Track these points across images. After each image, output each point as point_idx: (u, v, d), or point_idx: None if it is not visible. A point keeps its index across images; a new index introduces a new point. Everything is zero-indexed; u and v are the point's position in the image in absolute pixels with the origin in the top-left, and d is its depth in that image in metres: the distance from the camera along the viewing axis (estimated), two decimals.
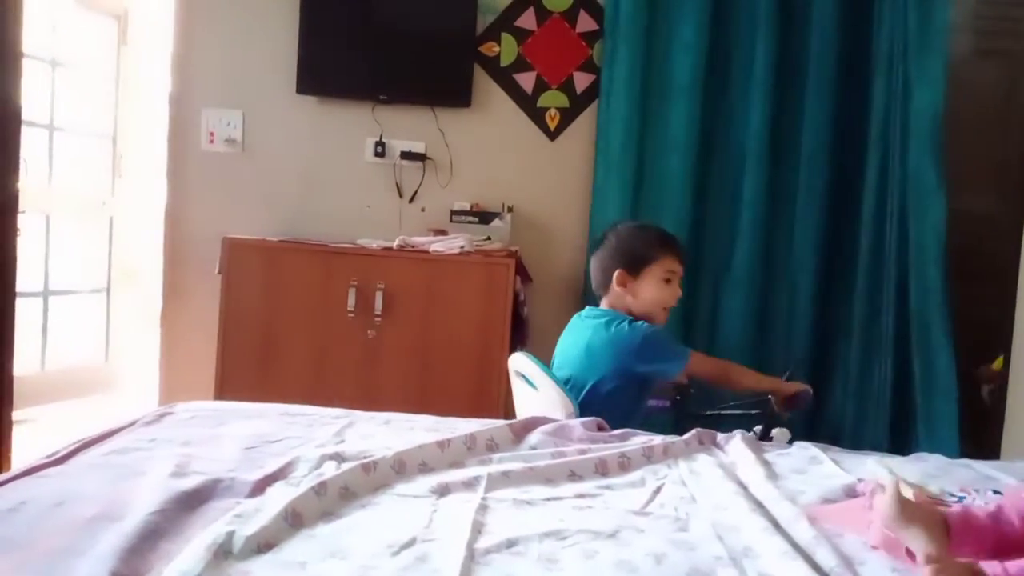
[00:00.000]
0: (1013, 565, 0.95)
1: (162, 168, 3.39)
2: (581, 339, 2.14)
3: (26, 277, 3.23)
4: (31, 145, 3.26)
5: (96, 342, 3.86)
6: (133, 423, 1.53)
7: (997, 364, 2.59)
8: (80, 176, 3.70)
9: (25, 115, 2.85)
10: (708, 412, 2.19)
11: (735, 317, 3.16)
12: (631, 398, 2.07)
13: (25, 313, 3.25)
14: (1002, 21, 3.36)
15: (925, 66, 2.93)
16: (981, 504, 1.21)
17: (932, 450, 1.79)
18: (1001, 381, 2.71)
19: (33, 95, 3.25)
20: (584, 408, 1.98)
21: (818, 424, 3.02)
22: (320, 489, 1.18)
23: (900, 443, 2.90)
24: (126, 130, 3.84)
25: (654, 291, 2.11)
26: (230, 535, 1.00)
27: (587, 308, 2.24)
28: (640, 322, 2.08)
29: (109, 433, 1.46)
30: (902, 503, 1.04)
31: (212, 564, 0.94)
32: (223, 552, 0.97)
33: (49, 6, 3.40)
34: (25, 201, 2.90)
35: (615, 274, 2.13)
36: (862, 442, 2.84)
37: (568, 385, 2.04)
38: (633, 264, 2.13)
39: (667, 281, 2.12)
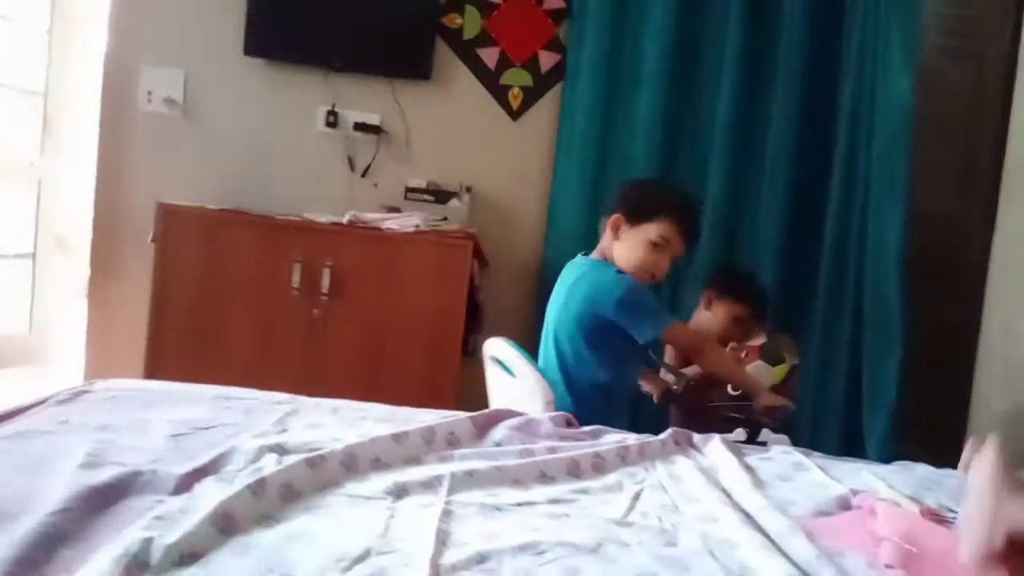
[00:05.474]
0: None
1: (95, 128, 3.15)
2: (564, 285, 2.06)
3: None
4: None
5: (20, 311, 3.60)
6: (43, 401, 1.34)
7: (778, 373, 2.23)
8: (7, 134, 3.43)
9: None
10: (709, 405, 2.07)
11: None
12: (613, 363, 1.98)
13: None
14: (966, 22, 3.33)
15: (895, 59, 2.86)
16: None
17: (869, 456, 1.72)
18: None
19: None
20: (566, 373, 1.93)
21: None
22: (257, 487, 1.02)
23: (849, 447, 2.85)
24: (59, 87, 3.57)
25: (638, 250, 1.98)
26: (147, 543, 0.84)
27: (578, 256, 2.14)
28: (626, 275, 1.97)
29: (13, 412, 1.27)
30: (1006, 475, 0.92)
31: None
32: (137, 564, 0.80)
33: None
34: None
35: (612, 217, 2.02)
36: (818, 444, 2.78)
37: (552, 338, 1.97)
38: (633, 212, 2.01)
39: (655, 245, 1.98)
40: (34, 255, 3.63)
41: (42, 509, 0.90)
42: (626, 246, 2.02)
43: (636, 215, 2.00)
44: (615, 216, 2.03)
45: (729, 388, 2.14)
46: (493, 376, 2.13)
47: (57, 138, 3.60)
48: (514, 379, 1.95)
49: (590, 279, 2.00)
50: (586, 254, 2.13)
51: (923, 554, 0.99)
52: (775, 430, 1.89)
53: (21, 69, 3.44)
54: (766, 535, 1.06)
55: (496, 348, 2.08)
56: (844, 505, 1.20)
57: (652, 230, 1.98)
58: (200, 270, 2.74)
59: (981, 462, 0.98)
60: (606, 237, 2.05)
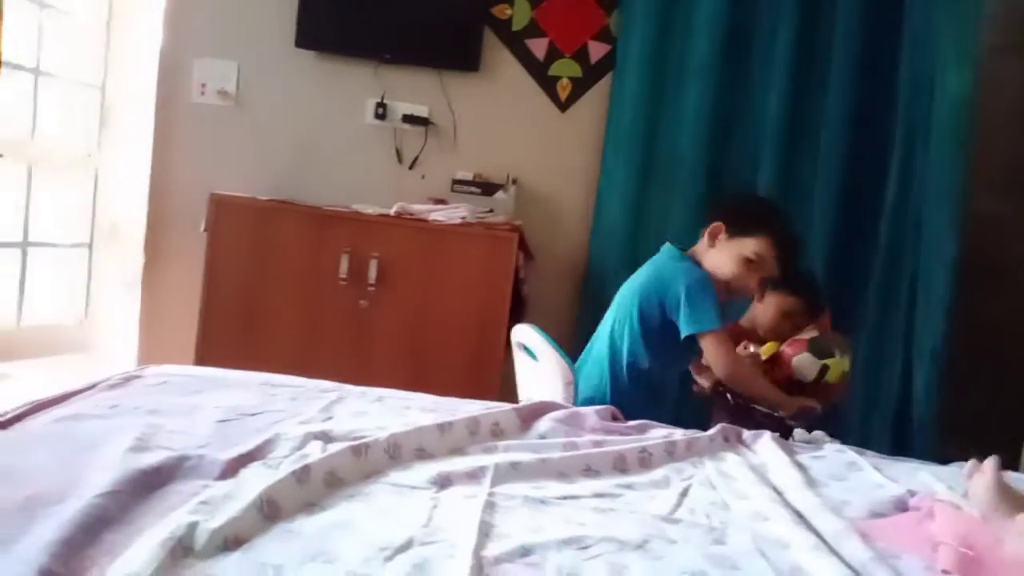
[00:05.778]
0: None
1: (150, 120, 3.20)
2: (643, 268, 2.05)
3: (5, 227, 3.05)
4: (15, 89, 3.06)
5: (76, 299, 3.68)
6: (94, 386, 1.36)
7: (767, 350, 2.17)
8: (65, 125, 3.50)
9: (9, 56, 2.63)
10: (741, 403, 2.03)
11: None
12: (659, 352, 1.95)
13: (2, 264, 3.07)
14: (1018, 20, 3.20)
15: (953, 56, 2.76)
16: None
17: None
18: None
19: (18, 36, 3.04)
20: (612, 348, 1.95)
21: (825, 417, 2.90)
22: (302, 474, 1.01)
23: (899, 444, 2.78)
24: (115, 79, 3.64)
25: (732, 263, 1.95)
26: (192, 527, 0.84)
27: (668, 244, 2.10)
28: (703, 270, 1.95)
29: (65, 396, 1.29)
30: (1004, 490, 0.89)
31: (167, 564, 0.77)
32: (182, 548, 0.81)
33: None
34: (7, 148, 2.70)
35: (712, 224, 2.00)
36: (868, 444, 2.71)
37: (612, 317, 1.99)
38: (735, 223, 1.98)
39: (749, 262, 1.94)
40: (90, 245, 3.70)
41: (89, 492, 0.90)
42: (720, 256, 1.99)
43: (737, 227, 1.98)
44: (716, 224, 2.00)
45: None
46: (520, 361, 2.14)
47: (113, 130, 3.67)
48: (537, 362, 1.95)
49: (669, 265, 1.99)
50: (682, 248, 2.10)
51: (981, 558, 0.94)
52: (809, 429, 1.85)
53: (80, 63, 3.51)
54: (819, 535, 1.03)
55: (522, 334, 2.09)
56: (901, 506, 1.16)
57: (749, 245, 1.95)
58: (250, 260, 2.77)
59: (979, 480, 0.95)
60: (703, 242, 2.03)
